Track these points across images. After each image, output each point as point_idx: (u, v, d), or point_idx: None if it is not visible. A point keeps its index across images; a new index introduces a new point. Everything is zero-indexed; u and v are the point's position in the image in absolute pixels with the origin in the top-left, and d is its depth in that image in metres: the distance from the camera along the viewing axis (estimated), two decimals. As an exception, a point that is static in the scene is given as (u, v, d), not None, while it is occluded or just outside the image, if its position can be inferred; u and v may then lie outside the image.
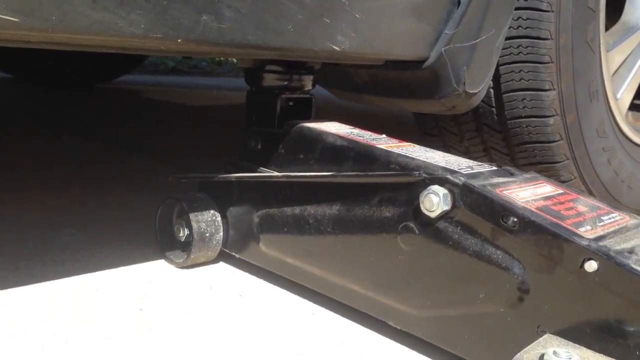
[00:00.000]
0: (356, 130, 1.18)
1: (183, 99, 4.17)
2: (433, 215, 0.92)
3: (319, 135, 1.14)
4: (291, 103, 1.26)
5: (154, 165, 2.11)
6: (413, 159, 1.01)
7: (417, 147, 1.11)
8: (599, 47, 1.64)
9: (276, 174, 1.17)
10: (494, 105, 1.59)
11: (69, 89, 3.96)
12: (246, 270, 1.26)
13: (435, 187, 0.92)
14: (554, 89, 1.52)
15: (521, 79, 1.52)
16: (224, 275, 1.23)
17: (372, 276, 1.02)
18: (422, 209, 0.93)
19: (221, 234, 1.25)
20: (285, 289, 1.18)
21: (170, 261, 1.26)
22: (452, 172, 0.95)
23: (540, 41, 1.47)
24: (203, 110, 3.69)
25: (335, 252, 1.08)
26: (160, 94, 4.28)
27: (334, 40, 1.04)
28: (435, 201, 0.91)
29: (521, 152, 1.61)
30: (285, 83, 1.24)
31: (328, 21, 1.02)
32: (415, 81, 1.30)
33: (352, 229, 1.05)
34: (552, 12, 1.46)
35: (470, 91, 1.29)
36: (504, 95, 1.56)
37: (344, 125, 1.21)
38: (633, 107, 2.05)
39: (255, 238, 1.21)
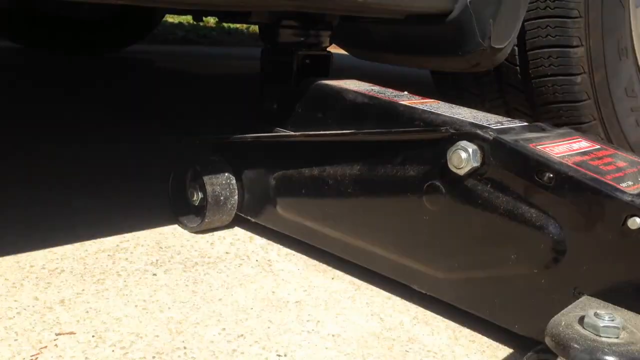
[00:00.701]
0: (377, 88, 1.12)
1: (194, 68, 4.11)
2: (461, 172, 0.87)
3: (339, 93, 1.09)
4: (308, 60, 1.21)
5: (166, 130, 2.06)
6: (438, 114, 0.95)
7: (441, 103, 1.06)
8: (629, 1, 1.56)
9: (294, 133, 1.11)
10: (517, 63, 1.52)
11: (77, 55, 3.90)
12: (262, 234, 1.22)
13: (464, 143, 0.87)
14: (582, 46, 1.45)
15: (547, 35, 1.45)
16: (239, 240, 1.19)
17: (395, 238, 0.98)
18: (450, 166, 0.88)
19: (236, 197, 1.20)
20: (304, 253, 1.14)
21: (184, 226, 1.22)
22: (481, 127, 0.89)
23: (569, -6, 1.40)
24: (212, 80, 3.63)
25: (356, 213, 1.03)
26: (171, 62, 4.22)
27: None
28: (463, 157, 0.86)
29: (546, 113, 1.55)
30: (302, 39, 1.19)
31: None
32: (437, 37, 1.24)
33: (374, 189, 1.00)
34: (581, -37, 1.38)
35: (496, 46, 1.23)
36: (528, 53, 1.49)
37: (363, 83, 1.15)
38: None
39: (271, 201, 1.16)
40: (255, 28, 6.58)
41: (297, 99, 1.15)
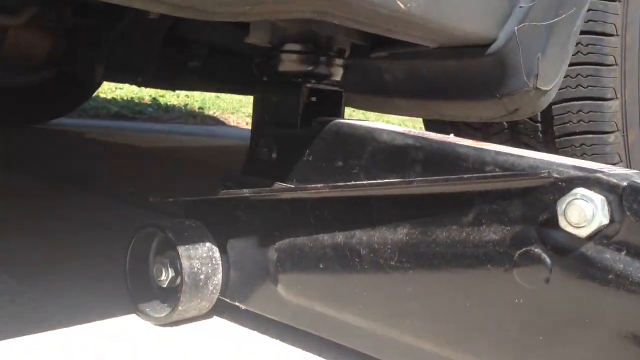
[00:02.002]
0: (411, 130, 0.86)
1: (131, 141, 3.79)
2: (583, 233, 0.60)
3: (368, 133, 0.82)
4: (314, 98, 0.94)
5: (105, 201, 1.73)
6: (520, 156, 0.69)
7: (502, 146, 0.80)
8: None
9: (307, 187, 0.83)
10: (538, 119, 1.30)
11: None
12: (254, 327, 0.90)
13: (584, 191, 0.60)
14: (617, 98, 1.24)
15: (577, 86, 1.24)
16: (223, 338, 0.87)
17: (465, 331, 0.69)
18: (563, 224, 0.61)
19: (220, 276, 0.90)
20: (320, 355, 0.83)
21: (146, 316, 0.89)
22: (593, 171, 0.63)
23: (604, 38, 1.21)
24: (154, 151, 3.32)
25: (401, 296, 0.74)
26: (105, 135, 3.89)
27: None
28: (587, 211, 0.59)
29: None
30: (310, 68, 0.92)
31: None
32: (472, 74, 1.00)
33: (432, 260, 0.71)
34: (619, 1, 1.20)
35: (542, 87, 1.00)
36: (553, 107, 1.27)
37: (389, 125, 0.89)
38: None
39: (270, 280, 0.86)
40: (193, 105, 6.36)
41: (305, 144, 0.87)
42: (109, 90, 6.28)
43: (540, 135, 1.31)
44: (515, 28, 0.93)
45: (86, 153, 2.90)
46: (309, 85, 0.91)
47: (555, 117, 1.28)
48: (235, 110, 6.50)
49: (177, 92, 5.89)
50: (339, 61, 0.95)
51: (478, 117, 1.11)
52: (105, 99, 6.35)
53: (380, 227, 0.76)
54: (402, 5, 0.75)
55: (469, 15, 0.87)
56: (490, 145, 0.74)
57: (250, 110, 6.00)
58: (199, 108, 6.39)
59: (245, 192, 0.86)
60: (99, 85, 3.97)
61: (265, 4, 0.73)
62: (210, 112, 6.33)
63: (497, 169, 0.69)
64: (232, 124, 6.00)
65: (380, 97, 1.17)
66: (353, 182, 0.78)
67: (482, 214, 0.68)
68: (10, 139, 3.17)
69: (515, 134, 1.35)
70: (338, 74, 0.96)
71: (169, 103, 6.57)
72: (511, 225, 0.66)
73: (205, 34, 1.71)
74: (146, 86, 3.09)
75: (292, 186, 0.84)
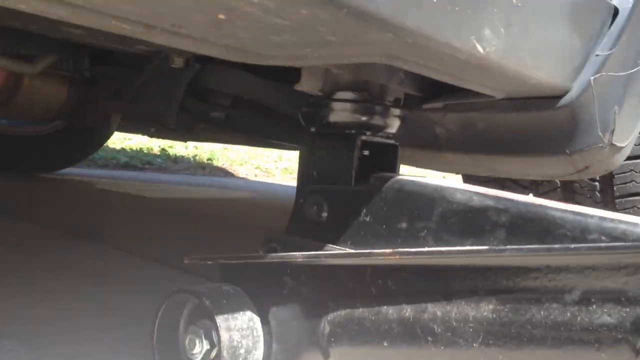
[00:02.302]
0: (488, 190, 0.76)
1: (141, 191, 3.71)
2: None
3: (438, 192, 0.72)
4: (366, 152, 0.84)
5: (118, 255, 1.63)
6: (634, 224, 0.59)
7: (603, 210, 0.70)
8: None
9: (369, 252, 0.73)
10: (596, 177, 1.21)
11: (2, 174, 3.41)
12: (300, 411, 0.79)
13: None
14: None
15: (642, 142, 1.15)
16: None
17: None
18: None
19: (261, 350, 0.78)
20: None
21: (176, 396, 0.78)
22: None
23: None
24: (164, 202, 3.23)
25: (486, 384, 0.63)
26: (114, 186, 3.81)
27: (480, 34, 0.65)
28: None
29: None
30: (365, 119, 0.83)
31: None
32: (540, 128, 0.91)
33: (527, 345, 0.60)
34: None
35: (617, 144, 0.90)
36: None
37: (461, 183, 0.79)
38: None
39: (322, 356, 0.75)
40: (202, 156, 6.31)
41: (361, 202, 0.77)
42: (118, 140, 6.26)
43: (598, 194, 1.22)
44: (592, 78, 0.84)
45: (96, 204, 2.82)
46: (363, 137, 0.82)
47: (616, 175, 1.18)
48: (244, 161, 6.45)
49: (187, 142, 5.84)
50: (395, 111, 0.85)
51: (541, 175, 1.01)
52: (114, 149, 6.32)
53: (459, 302, 0.65)
54: (481, 50, 0.66)
55: (546, 63, 0.78)
56: (588, 209, 0.64)
57: (259, 162, 5.94)
58: (208, 159, 6.34)
59: (297, 255, 0.75)
60: (109, 135, 3.91)
61: (329, 47, 0.64)
62: (219, 164, 6.28)
63: (603, 238, 0.59)
64: (242, 176, 5.94)
65: (430, 151, 1.07)
66: (427, 249, 0.68)
67: (592, 292, 0.57)
68: (18, 188, 3.09)
69: (568, 193, 1.25)
70: (394, 126, 0.87)
71: (177, 154, 6.54)
72: (631, 306, 0.55)
73: (232, 85, 1.63)
74: (162, 137, 3.01)
75: (353, 251, 0.74)
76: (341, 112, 0.82)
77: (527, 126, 0.92)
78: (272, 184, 5.57)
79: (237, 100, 1.84)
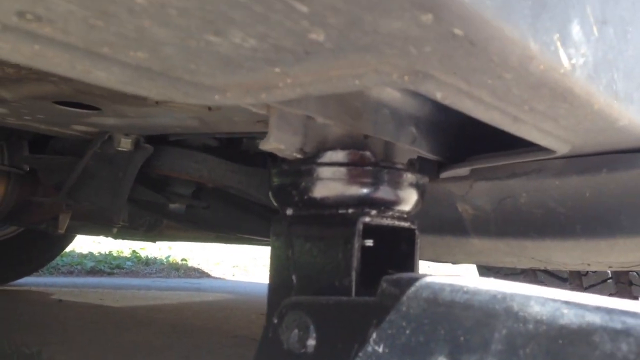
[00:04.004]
0: (585, 294, 0.47)
1: (104, 300, 3.35)
2: None
3: (500, 302, 0.43)
4: (370, 242, 0.56)
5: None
6: None
7: None
8: None
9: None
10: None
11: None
12: None
13: None
14: None
15: None
16: None
17: None
18: None
19: None
20: None
21: None
22: None
23: None
24: (131, 312, 2.89)
25: None
26: (76, 295, 3.46)
27: (566, 32, 0.38)
28: None
29: None
30: (367, 191, 0.55)
31: None
32: (613, 195, 0.63)
33: None
34: None
35: None
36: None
37: (535, 286, 0.51)
38: None
39: None
40: (176, 257, 6.01)
41: (370, 323, 0.48)
42: (85, 244, 5.97)
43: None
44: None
45: (45, 319, 2.47)
46: (366, 219, 0.53)
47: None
48: (220, 261, 6.17)
49: (157, 243, 5.56)
50: (410, 178, 0.57)
51: (609, 264, 0.73)
52: (80, 254, 5.99)
53: None
54: (566, 62, 0.39)
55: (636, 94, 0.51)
56: None
57: (235, 261, 5.70)
58: (182, 260, 6.04)
59: None
60: (70, 239, 3.58)
61: (313, 59, 0.37)
62: (195, 264, 5.98)
63: None
64: (218, 276, 5.64)
65: (449, 237, 0.79)
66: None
67: None
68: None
69: (624, 284, 0.96)
70: (410, 201, 0.58)
71: (149, 256, 6.22)
72: None
73: (191, 169, 1.36)
74: (125, 238, 2.71)
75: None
76: (331, 183, 0.54)
77: (594, 195, 0.65)
78: (251, 283, 5.28)
79: (200, 190, 1.57)
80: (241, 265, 6.29)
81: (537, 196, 0.68)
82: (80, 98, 0.90)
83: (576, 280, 1.01)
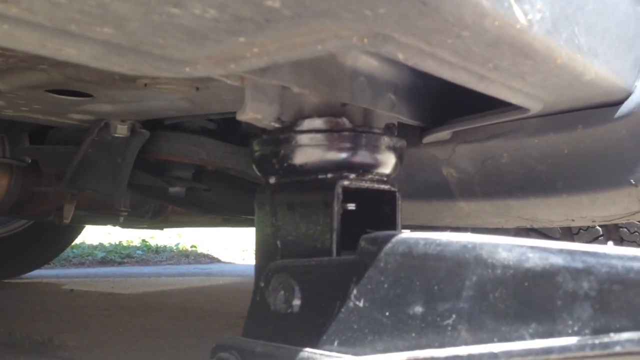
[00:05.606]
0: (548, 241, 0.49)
1: (116, 288, 3.40)
2: None
3: (470, 251, 0.45)
4: (352, 205, 0.57)
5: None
6: None
7: None
8: None
9: (371, 357, 0.45)
10: (650, 218, 0.94)
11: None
12: None
13: None
14: None
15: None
16: None
17: None
18: None
19: None
20: None
21: None
22: None
23: None
24: (141, 298, 2.93)
25: None
26: (87, 285, 3.50)
27: None
28: None
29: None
30: (346, 155, 0.56)
31: None
32: (590, 151, 0.65)
33: None
34: None
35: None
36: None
37: (503, 237, 0.53)
38: None
39: None
40: (185, 244, 6.06)
41: (351, 279, 0.50)
42: (96, 235, 6.03)
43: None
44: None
45: (57, 308, 2.51)
46: (345, 182, 0.55)
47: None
48: (230, 246, 6.21)
49: (169, 230, 5.60)
50: (388, 142, 0.59)
51: (592, 218, 0.74)
52: (91, 245, 6.05)
53: None
54: (522, 18, 0.40)
55: (604, 47, 0.52)
56: None
57: (245, 245, 5.73)
58: (192, 246, 6.09)
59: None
60: (78, 230, 3.62)
61: (274, 28, 0.39)
62: (205, 250, 6.03)
63: None
64: (228, 261, 5.68)
65: (436, 202, 0.81)
66: (464, 349, 0.40)
67: None
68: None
69: (615, 241, 0.98)
70: (389, 164, 0.60)
71: (159, 244, 6.27)
72: None
73: (189, 152, 1.37)
74: (132, 227, 2.73)
75: (345, 358, 0.46)
76: (309, 149, 0.56)
77: (572, 151, 0.66)
78: (261, 266, 5.28)
79: (200, 173, 1.58)
80: (251, 249, 6.34)
81: (518, 156, 0.70)
82: (72, 85, 0.92)
83: (568, 239, 1.02)
